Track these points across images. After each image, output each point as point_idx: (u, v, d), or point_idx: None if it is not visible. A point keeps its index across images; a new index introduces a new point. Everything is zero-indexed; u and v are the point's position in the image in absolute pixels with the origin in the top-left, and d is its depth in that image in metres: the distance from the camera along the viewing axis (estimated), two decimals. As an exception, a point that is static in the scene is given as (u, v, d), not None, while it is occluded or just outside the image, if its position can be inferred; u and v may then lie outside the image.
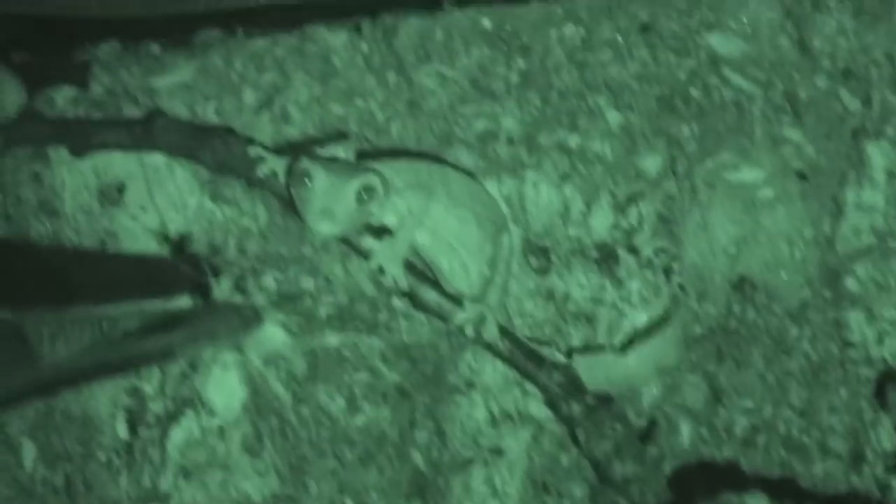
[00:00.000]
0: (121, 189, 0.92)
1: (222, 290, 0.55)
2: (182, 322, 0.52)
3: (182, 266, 0.58)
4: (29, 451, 0.92)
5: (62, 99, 0.93)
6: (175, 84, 0.92)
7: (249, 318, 0.56)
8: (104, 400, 0.91)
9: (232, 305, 0.55)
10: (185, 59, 0.92)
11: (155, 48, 0.94)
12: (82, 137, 0.90)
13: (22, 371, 0.42)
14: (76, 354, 0.45)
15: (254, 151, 0.84)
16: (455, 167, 0.88)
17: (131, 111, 0.92)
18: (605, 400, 0.86)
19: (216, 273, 0.56)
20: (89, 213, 0.92)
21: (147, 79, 0.92)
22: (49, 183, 0.93)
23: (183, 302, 0.54)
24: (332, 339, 0.84)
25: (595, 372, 0.85)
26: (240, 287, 0.56)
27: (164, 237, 0.91)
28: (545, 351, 0.86)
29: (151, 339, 0.50)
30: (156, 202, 0.92)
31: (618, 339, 0.88)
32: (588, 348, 0.88)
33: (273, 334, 0.56)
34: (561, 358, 0.86)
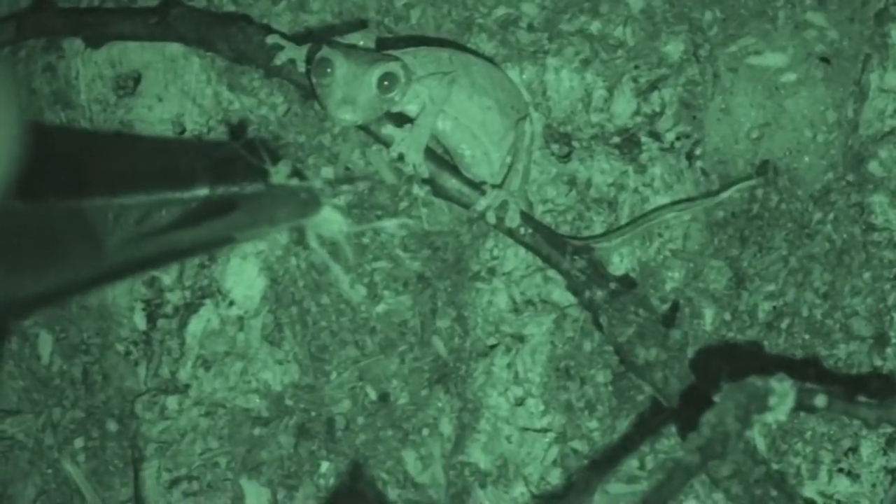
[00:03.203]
0: (136, 79, 0.91)
1: (280, 173, 0.55)
2: (242, 206, 0.51)
3: (240, 150, 0.58)
4: (46, 343, 0.91)
5: (76, -11, 0.91)
6: (191, -28, 0.90)
7: (308, 202, 0.55)
8: (121, 291, 0.90)
9: (290, 188, 0.55)
10: (201, -52, 0.91)
11: (170, -62, 0.93)
12: (97, 28, 0.89)
13: (88, 258, 0.42)
14: (140, 241, 0.45)
15: (272, 40, 0.83)
16: (476, 54, 0.87)
17: (146, 1, 0.91)
18: (628, 285, 0.85)
19: (274, 157, 0.56)
20: (104, 104, 0.91)
21: (163, -33, 0.91)
22: (63, 74, 0.91)
23: (242, 186, 0.54)
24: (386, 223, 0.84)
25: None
26: (297, 171, 0.55)
27: (180, 127, 0.90)
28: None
29: (212, 224, 0.49)
30: (172, 92, 0.90)
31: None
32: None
33: (332, 217, 0.56)
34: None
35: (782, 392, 0.80)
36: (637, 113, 0.88)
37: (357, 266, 0.88)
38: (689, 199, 0.87)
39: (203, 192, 0.51)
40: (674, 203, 0.86)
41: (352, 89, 0.76)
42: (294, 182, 0.56)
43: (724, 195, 0.87)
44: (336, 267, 0.65)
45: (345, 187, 0.86)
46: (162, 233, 0.47)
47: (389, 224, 0.87)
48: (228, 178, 0.54)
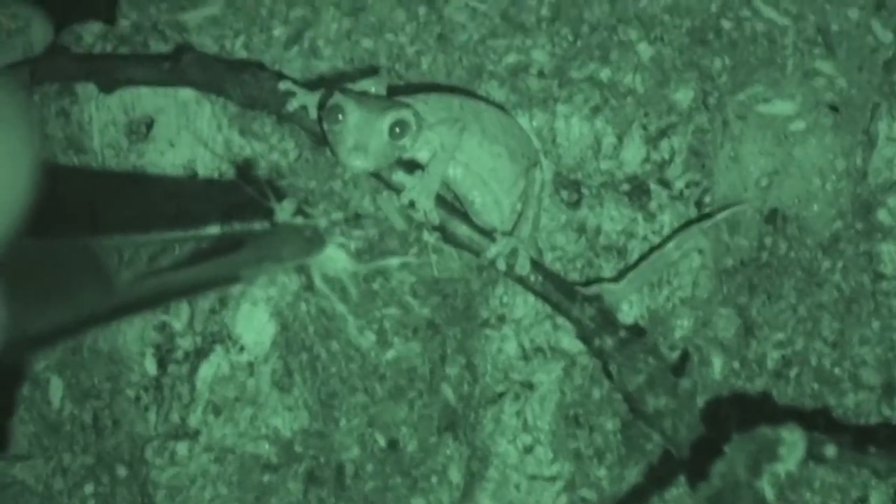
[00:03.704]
0: (149, 125, 0.91)
1: (285, 212, 0.55)
2: (247, 244, 0.52)
3: (246, 189, 0.58)
4: (57, 388, 0.91)
5: (89, 34, 0.92)
6: (204, 18, 0.91)
7: (313, 240, 0.56)
8: (132, 336, 0.90)
9: (296, 227, 0.55)
10: (213, -5, 0.92)
11: (183, -17, 0.94)
12: (110, 73, 0.90)
13: (98, 295, 0.42)
14: (147, 278, 0.45)
15: (284, 86, 0.84)
16: (487, 101, 0.88)
17: (159, 46, 0.91)
18: (637, 333, 0.85)
19: (279, 196, 0.56)
20: (117, 149, 0.92)
21: (175, 13, 0.91)
22: (76, 119, 0.92)
23: (247, 225, 0.54)
24: (391, 260, 0.85)
25: (644, 274, 0.85)
26: (302, 210, 0.56)
27: (192, 172, 0.91)
28: (592, 288, 0.85)
29: (217, 262, 0.49)
30: (184, 137, 0.91)
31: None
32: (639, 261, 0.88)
33: (336, 256, 0.56)
34: (609, 285, 0.85)
35: (792, 442, 0.80)
36: (646, 160, 0.88)
37: (367, 312, 0.88)
38: (685, 225, 0.87)
39: (210, 231, 0.52)
40: (673, 234, 0.87)
41: (363, 136, 0.76)
42: (299, 220, 0.56)
43: (720, 216, 0.87)
44: (341, 306, 0.66)
45: (355, 232, 0.87)
46: (169, 271, 0.47)
47: (393, 262, 0.87)
48: (235, 217, 0.55)
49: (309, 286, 0.89)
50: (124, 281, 0.44)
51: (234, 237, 0.52)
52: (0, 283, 0.34)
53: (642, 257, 0.87)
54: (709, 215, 0.87)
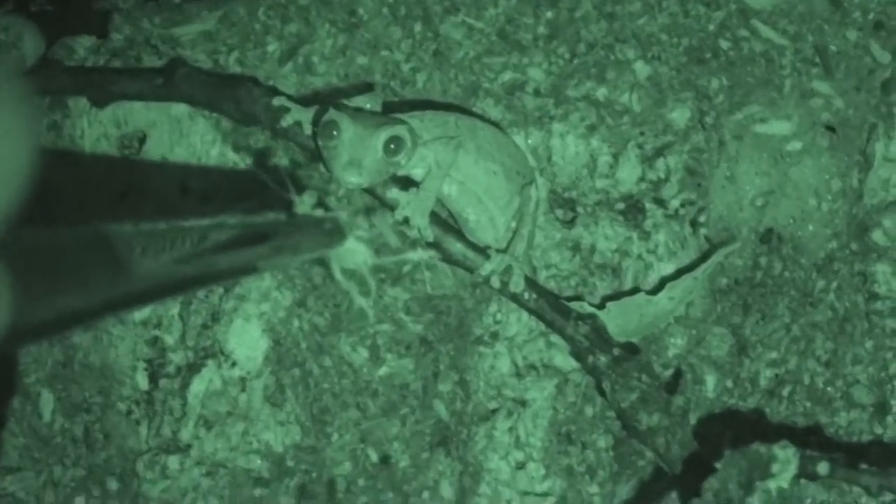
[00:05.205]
0: (142, 139, 0.91)
1: (305, 204, 0.54)
2: (265, 236, 0.51)
3: (266, 180, 0.58)
4: (47, 402, 0.91)
5: (82, 48, 0.92)
6: (197, 33, 0.91)
7: (333, 233, 0.55)
8: (124, 350, 0.90)
9: (315, 219, 0.55)
10: (208, 9, 0.91)
11: (176, -3, 0.93)
12: (102, 87, 0.89)
13: (114, 282, 0.42)
14: (164, 268, 0.45)
15: (278, 101, 0.83)
16: (482, 119, 0.87)
17: (152, 61, 0.91)
18: (631, 351, 0.85)
19: (299, 188, 0.55)
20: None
21: (169, 28, 0.91)
22: (69, 133, 0.92)
23: (267, 216, 0.53)
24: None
25: (628, 315, 0.85)
26: (322, 202, 0.55)
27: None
28: (574, 304, 0.85)
29: (236, 252, 0.49)
30: (177, 153, 0.91)
31: (643, 291, 0.88)
32: (619, 295, 0.88)
33: (356, 248, 0.56)
34: (590, 309, 0.85)
35: (785, 459, 0.80)
36: (642, 179, 0.88)
37: (359, 329, 0.88)
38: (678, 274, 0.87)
39: (229, 221, 0.51)
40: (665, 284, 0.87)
41: (358, 152, 0.75)
42: (319, 212, 0.56)
43: (713, 260, 0.87)
44: (361, 300, 0.65)
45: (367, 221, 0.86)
46: (184, 261, 0.47)
47: (413, 256, 0.87)
48: (254, 209, 0.54)
49: (302, 302, 0.89)
50: (142, 269, 0.43)
51: (253, 228, 0.52)
52: (1, 266, 0.34)
53: (630, 291, 0.87)
54: (704, 258, 0.87)
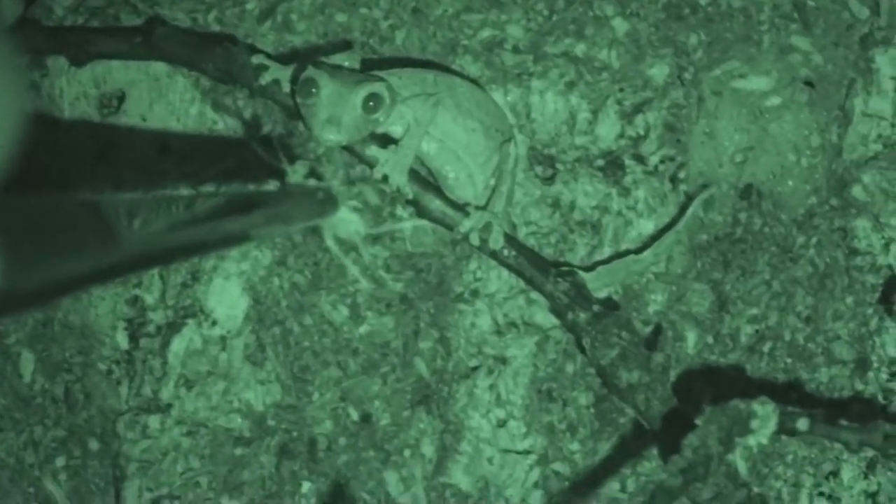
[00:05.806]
0: (121, 98, 0.91)
1: (297, 174, 0.54)
2: (257, 205, 0.51)
3: (257, 149, 0.58)
4: (28, 362, 0.91)
5: (60, 7, 0.91)
6: (176, -9, 0.90)
7: (325, 202, 0.55)
8: (104, 310, 0.90)
9: (307, 188, 0.55)
10: (186, -33, 0.91)
11: (155, -44, 0.93)
12: (81, 46, 0.89)
13: (105, 251, 0.42)
14: (156, 236, 0.44)
15: (256, 60, 0.83)
16: (461, 76, 0.87)
17: (131, 19, 0.91)
18: (611, 307, 0.85)
19: (291, 157, 0.55)
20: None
21: (147, -14, 0.91)
22: (47, 92, 0.91)
23: (258, 185, 0.53)
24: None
25: (615, 274, 0.85)
26: (315, 172, 0.55)
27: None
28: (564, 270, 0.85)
29: (228, 221, 0.49)
30: (156, 111, 0.90)
31: (624, 247, 0.88)
32: (609, 259, 0.87)
33: (349, 218, 0.56)
34: (580, 272, 0.85)
35: (765, 415, 0.80)
36: (621, 136, 0.88)
37: (340, 287, 0.88)
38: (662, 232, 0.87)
39: (222, 190, 0.51)
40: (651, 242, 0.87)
41: (337, 110, 0.75)
42: (311, 182, 0.56)
43: (693, 208, 0.86)
44: (353, 268, 0.65)
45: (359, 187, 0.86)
46: (178, 228, 0.47)
47: (406, 225, 0.87)
48: (246, 177, 0.54)
49: (282, 260, 0.89)
50: (133, 237, 0.43)
51: (245, 197, 0.52)
52: None
53: (619, 255, 0.87)
54: (682, 212, 0.87)
